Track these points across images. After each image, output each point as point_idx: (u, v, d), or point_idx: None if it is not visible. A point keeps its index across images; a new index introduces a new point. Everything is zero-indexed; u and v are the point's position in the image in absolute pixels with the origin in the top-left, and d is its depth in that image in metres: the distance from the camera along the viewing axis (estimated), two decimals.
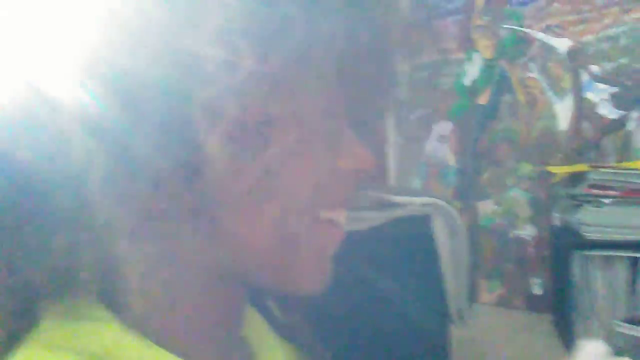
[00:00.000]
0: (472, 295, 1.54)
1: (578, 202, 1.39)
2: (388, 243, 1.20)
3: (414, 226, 1.21)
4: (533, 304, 1.62)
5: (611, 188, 1.35)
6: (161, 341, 0.34)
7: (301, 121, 0.32)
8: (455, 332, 1.30)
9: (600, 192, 1.35)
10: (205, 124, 0.30)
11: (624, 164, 1.46)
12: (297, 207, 0.34)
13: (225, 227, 0.33)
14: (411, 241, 1.22)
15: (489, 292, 1.70)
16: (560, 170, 1.52)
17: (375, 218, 1.18)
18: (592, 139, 1.56)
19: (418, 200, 1.20)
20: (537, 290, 1.62)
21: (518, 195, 1.66)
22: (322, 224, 0.36)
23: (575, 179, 1.43)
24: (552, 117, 1.60)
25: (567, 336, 1.35)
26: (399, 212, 1.19)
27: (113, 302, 0.33)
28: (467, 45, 1.77)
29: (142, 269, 0.31)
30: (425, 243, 1.22)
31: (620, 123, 1.52)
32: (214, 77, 0.30)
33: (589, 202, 1.36)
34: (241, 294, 0.41)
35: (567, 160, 1.57)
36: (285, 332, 0.46)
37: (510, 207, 1.68)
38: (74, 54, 0.29)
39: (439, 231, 1.21)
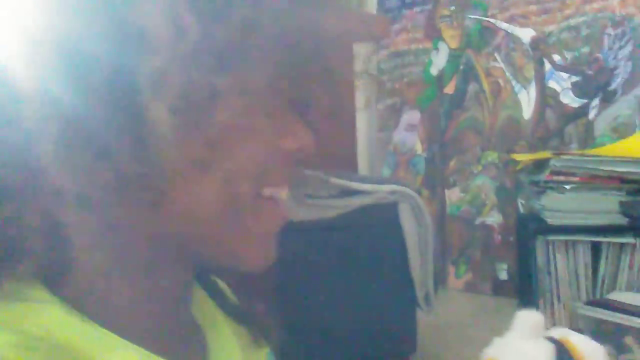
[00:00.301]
0: (439, 281, 1.57)
1: (541, 188, 1.42)
2: (355, 230, 1.22)
3: (381, 213, 1.23)
4: (499, 288, 1.66)
5: (572, 174, 1.38)
6: (104, 321, 0.34)
7: (245, 95, 0.33)
8: (424, 317, 1.33)
9: (562, 178, 1.38)
10: (151, 95, 0.31)
11: (586, 151, 1.50)
12: (240, 181, 0.35)
13: (170, 198, 0.34)
14: (378, 228, 1.24)
15: (456, 278, 1.74)
16: (524, 158, 1.55)
17: (342, 206, 1.19)
18: (555, 127, 1.59)
19: (384, 188, 1.22)
20: (503, 276, 1.65)
21: (484, 183, 1.69)
22: (265, 201, 0.37)
23: (539, 166, 1.46)
24: (516, 105, 1.64)
25: None
26: (365, 200, 1.20)
27: (56, 282, 0.34)
28: (434, 34, 1.79)
29: (88, 238, 0.32)
30: (391, 230, 1.24)
31: (582, 111, 1.56)
32: (161, 49, 0.30)
33: (551, 188, 1.39)
34: (187, 272, 0.41)
35: (531, 148, 1.61)
36: (238, 316, 0.47)
37: (477, 194, 1.71)
38: (25, 23, 0.30)
39: (405, 218, 1.24)
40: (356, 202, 1.20)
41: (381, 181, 1.26)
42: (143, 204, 0.33)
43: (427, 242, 1.27)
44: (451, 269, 1.75)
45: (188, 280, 0.42)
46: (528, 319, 0.43)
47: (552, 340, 0.43)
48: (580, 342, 0.42)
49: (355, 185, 1.19)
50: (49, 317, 0.33)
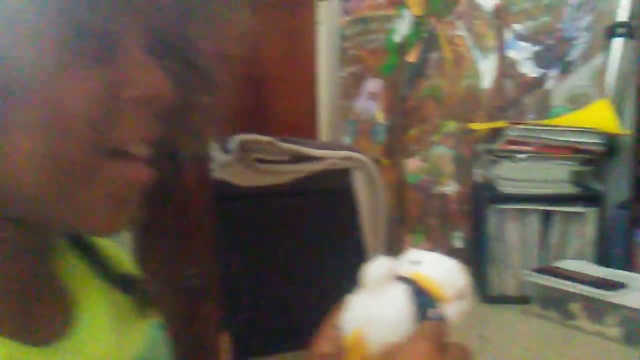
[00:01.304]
0: (393, 248, 1.58)
1: (496, 157, 1.43)
2: (308, 196, 1.22)
3: (334, 180, 1.23)
4: (454, 256, 1.67)
5: (527, 144, 1.39)
6: None
7: (32, 43, 0.29)
8: None
9: (516, 147, 1.39)
10: None
11: (541, 121, 1.51)
12: (66, 138, 0.31)
13: None
14: (331, 195, 1.24)
15: (413, 246, 1.74)
16: (482, 127, 1.56)
17: (294, 171, 1.19)
18: (514, 96, 1.60)
19: (337, 154, 1.21)
20: (458, 243, 1.67)
21: (443, 152, 1.70)
22: (116, 158, 0.33)
23: (495, 135, 1.47)
24: (477, 75, 1.63)
25: (483, 286, 1.41)
26: (318, 166, 1.19)
27: None
28: (398, 1, 1.77)
29: None
30: (344, 196, 1.23)
31: (540, 81, 1.56)
32: None
33: (505, 157, 1.41)
34: (38, 240, 0.37)
35: (490, 118, 1.61)
36: (121, 284, 0.44)
37: (436, 163, 1.71)
38: None
39: (358, 185, 1.23)
40: (308, 167, 1.20)
41: (334, 147, 1.26)
42: None
43: (380, 209, 1.27)
44: (408, 238, 1.76)
45: (42, 247, 0.39)
46: (376, 272, 0.41)
47: (404, 280, 0.41)
48: (431, 272, 0.41)
49: (307, 150, 1.19)
50: None
